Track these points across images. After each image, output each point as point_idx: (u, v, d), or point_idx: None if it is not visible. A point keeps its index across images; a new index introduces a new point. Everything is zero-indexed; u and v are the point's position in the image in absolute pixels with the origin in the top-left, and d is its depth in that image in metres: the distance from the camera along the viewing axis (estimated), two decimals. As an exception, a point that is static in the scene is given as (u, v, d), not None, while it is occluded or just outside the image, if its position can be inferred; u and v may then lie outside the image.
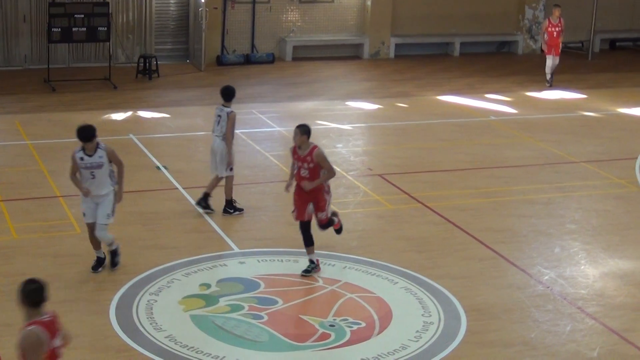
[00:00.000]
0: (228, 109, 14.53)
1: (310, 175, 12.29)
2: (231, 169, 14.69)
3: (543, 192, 16.34)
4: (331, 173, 12.45)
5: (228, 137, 14.52)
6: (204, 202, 14.76)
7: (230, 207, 14.80)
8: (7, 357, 10.21)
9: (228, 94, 14.62)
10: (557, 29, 24.15)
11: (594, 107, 22.65)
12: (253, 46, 26.79)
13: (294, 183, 12.53)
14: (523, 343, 11.08)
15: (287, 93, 23.14)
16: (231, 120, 14.48)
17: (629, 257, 13.70)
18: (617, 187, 16.72)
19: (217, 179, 14.79)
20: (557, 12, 24.26)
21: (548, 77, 24.44)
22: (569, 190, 16.51)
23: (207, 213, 14.70)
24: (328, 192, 12.54)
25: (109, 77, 23.45)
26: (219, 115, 14.56)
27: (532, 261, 13.40)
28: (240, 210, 14.89)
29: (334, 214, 12.93)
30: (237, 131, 19.15)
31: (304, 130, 12.28)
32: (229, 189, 14.78)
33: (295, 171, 12.45)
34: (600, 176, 17.30)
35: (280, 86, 23.84)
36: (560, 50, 24.33)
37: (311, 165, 12.25)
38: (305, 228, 12.52)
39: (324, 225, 12.67)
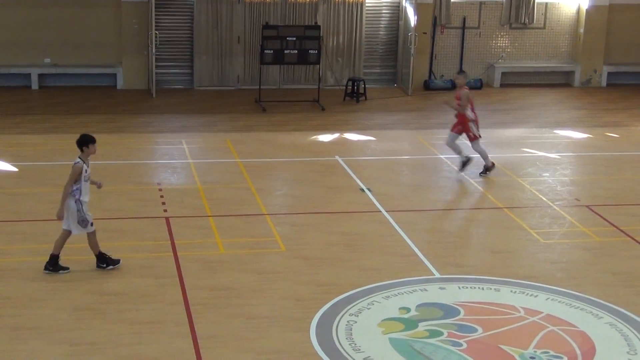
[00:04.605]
0: (75, 160, 12.89)
1: None
2: (89, 224, 12.86)
3: None
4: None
5: (65, 187, 12.79)
6: (102, 262, 13.13)
7: (102, 261, 13.10)
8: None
9: (77, 143, 13.00)
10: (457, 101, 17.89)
11: None
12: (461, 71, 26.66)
13: None
14: None
15: (494, 119, 22.90)
16: (72, 171, 12.78)
17: None
18: None
19: (92, 235, 13.09)
20: (457, 79, 18.50)
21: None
22: None
23: (115, 267, 13.19)
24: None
25: (317, 99, 23.88)
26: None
27: None
28: (115, 263, 13.12)
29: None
30: (441, 156, 19.31)
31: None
32: (93, 244, 13.07)
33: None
34: None
35: (487, 112, 23.60)
36: (468, 132, 17.83)
37: None
38: None
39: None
